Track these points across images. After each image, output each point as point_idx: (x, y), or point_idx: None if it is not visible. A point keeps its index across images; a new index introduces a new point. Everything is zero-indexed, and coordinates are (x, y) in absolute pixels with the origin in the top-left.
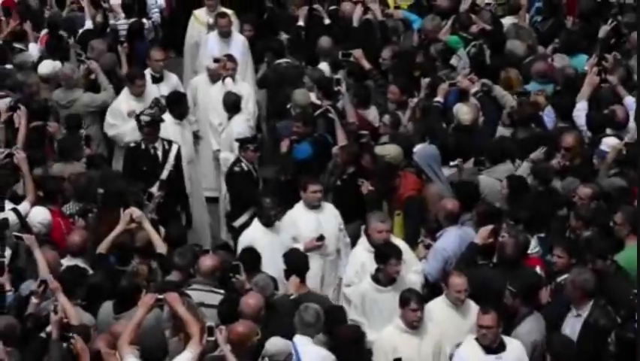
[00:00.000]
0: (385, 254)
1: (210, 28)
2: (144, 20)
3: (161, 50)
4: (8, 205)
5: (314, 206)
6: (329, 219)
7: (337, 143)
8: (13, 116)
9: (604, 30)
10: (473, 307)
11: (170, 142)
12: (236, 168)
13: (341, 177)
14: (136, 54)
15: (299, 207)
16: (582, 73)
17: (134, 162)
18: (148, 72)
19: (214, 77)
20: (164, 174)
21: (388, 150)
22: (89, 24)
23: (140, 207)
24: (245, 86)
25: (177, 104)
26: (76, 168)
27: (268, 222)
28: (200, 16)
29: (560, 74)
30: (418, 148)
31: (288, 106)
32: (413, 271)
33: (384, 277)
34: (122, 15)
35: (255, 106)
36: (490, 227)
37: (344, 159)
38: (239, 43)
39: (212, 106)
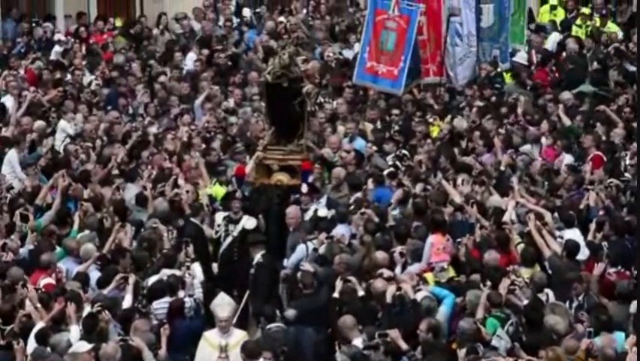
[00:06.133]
0: None
1: (222, 351)
2: (186, 298)
3: None
4: None
5: None
6: None
7: None
8: None
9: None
10: None
11: None
12: None
13: None
14: (176, 333)
15: None
16: (622, 352)
17: None
18: None
19: None
20: None
21: None
22: (128, 300)
23: None
24: None
25: None
26: None
27: None
28: (211, 338)
29: (600, 355)
30: None
31: None
32: None
33: None
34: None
35: None
36: None
37: None
38: None
39: None
